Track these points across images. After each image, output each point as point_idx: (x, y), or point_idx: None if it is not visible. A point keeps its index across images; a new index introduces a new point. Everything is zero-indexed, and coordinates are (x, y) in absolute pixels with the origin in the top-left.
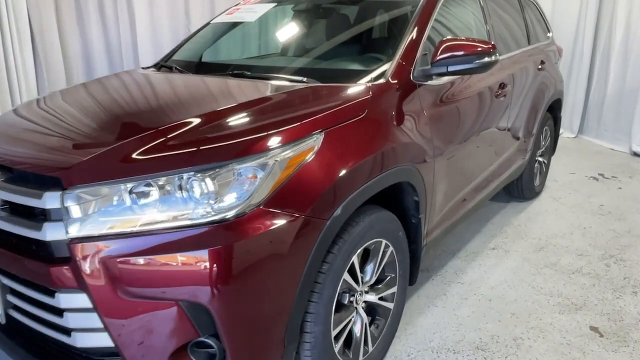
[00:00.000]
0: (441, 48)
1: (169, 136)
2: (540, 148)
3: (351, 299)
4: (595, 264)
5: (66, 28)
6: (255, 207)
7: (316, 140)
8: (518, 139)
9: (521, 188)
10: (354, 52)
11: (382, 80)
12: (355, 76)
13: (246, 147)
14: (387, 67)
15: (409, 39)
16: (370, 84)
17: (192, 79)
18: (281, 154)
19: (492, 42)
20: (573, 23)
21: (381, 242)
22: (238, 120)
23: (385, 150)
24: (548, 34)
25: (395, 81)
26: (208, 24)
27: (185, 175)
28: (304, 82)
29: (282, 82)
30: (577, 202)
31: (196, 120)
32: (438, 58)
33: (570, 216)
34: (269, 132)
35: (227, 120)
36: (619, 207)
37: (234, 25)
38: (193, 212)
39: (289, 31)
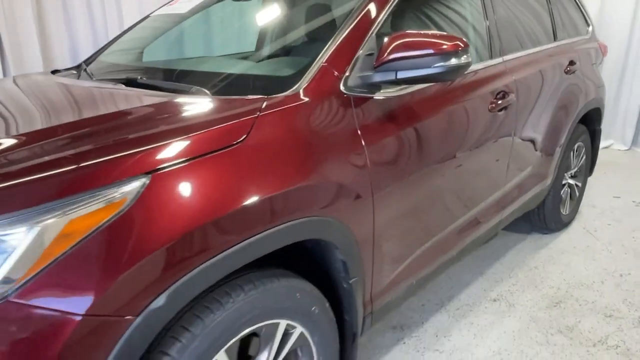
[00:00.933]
0: (390, 47)
1: None
2: (571, 169)
3: None
4: (627, 332)
5: (50, 23)
6: None
7: (130, 190)
8: (533, 160)
9: (544, 218)
10: (287, 51)
11: (287, 93)
12: (256, 86)
13: None
14: (304, 73)
15: (344, 34)
16: (266, 97)
17: (63, 89)
18: (52, 216)
19: (462, 39)
20: (627, 17)
21: (277, 323)
22: (21, 155)
23: (276, 196)
24: (587, 28)
25: (309, 94)
26: (147, 17)
27: None
28: (190, 92)
29: (162, 92)
30: (617, 237)
31: None
32: (384, 60)
33: (605, 257)
34: (40, 177)
35: (8, 156)
36: None
37: (178, 19)
38: None
39: (221, 26)
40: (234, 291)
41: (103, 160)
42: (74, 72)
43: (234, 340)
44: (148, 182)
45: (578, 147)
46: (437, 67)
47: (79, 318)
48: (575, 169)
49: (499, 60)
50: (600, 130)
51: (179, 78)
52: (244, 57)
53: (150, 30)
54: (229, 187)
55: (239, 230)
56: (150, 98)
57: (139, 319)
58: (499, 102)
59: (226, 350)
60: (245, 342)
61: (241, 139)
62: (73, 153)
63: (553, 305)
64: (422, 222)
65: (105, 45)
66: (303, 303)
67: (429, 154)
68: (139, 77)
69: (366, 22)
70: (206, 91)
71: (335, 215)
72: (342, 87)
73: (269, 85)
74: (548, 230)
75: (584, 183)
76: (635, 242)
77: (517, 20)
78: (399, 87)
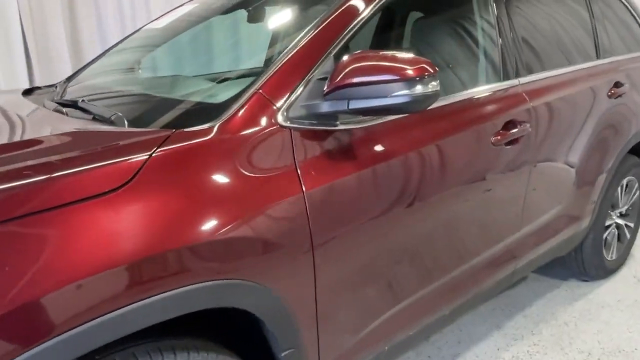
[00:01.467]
0: (344, 71)
1: None
2: (619, 207)
3: None
4: None
5: (78, 14)
6: None
7: None
8: (562, 200)
9: (582, 262)
10: (243, 73)
11: (202, 126)
12: (178, 115)
13: None
14: (233, 101)
15: (288, 57)
16: (171, 132)
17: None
18: None
19: (429, 62)
20: None
21: None
22: None
23: (158, 257)
24: None
25: (232, 127)
26: (139, 29)
27: None
28: (108, 120)
29: (81, 119)
30: None
31: None
32: (333, 87)
33: None
34: None
35: None
36: None
37: (161, 34)
38: None
39: (203, 42)
40: None
41: None
42: (55, 89)
43: None
44: None
45: (629, 182)
46: (396, 97)
47: None
48: (626, 207)
49: (514, 82)
50: None
51: (119, 101)
52: (212, 78)
53: (134, 45)
54: (93, 245)
55: (105, 301)
56: (55, 127)
57: None
58: (508, 133)
59: None
60: None
61: (120, 185)
62: None
63: None
64: (390, 279)
65: (91, 61)
66: None
67: (398, 199)
68: (81, 100)
69: (322, 40)
70: (124, 119)
71: (253, 278)
72: (280, 119)
73: (191, 115)
74: (588, 277)
75: (638, 223)
76: None
77: (544, 36)
78: (363, 117)
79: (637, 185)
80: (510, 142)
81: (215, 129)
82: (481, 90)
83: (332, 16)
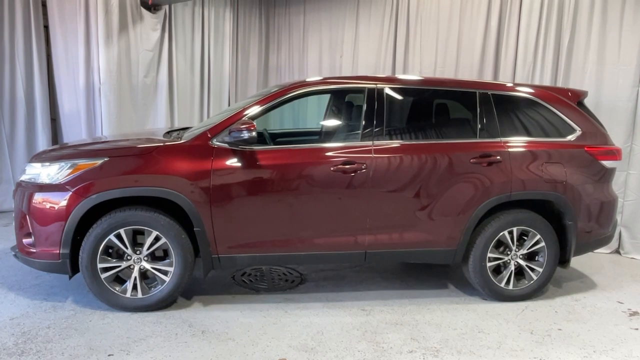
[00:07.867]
0: (233, 125)
1: None
2: (512, 249)
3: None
4: None
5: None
6: None
7: None
8: (413, 221)
9: (473, 282)
10: None
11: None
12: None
13: None
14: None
15: (224, 118)
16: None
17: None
18: None
19: (252, 123)
20: None
21: (151, 231)
22: None
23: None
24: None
25: (191, 142)
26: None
27: None
28: (177, 137)
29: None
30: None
31: None
32: (229, 130)
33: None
34: None
35: None
36: None
37: None
38: None
39: None
40: (132, 209)
41: None
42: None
43: (128, 227)
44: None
45: (524, 231)
46: (235, 137)
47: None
48: (524, 250)
49: (368, 143)
50: (571, 225)
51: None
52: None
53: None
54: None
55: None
56: (151, 140)
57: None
58: (345, 166)
59: (124, 230)
60: (138, 233)
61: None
62: None
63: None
64: (259, 225)
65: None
66: (164, 229)
67: (265, 188)
68: (178, 133)
69: (239, 114)
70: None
71: (185, 195)
72: (209, 142)
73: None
74: (486, 296)
75: (548, 269)
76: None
77: (418, 121)
78: (257, 145)
79: (538, 237)
80: (346, 172)
81: (187, 142)
82: (336, 145)
83: (248, 104)
